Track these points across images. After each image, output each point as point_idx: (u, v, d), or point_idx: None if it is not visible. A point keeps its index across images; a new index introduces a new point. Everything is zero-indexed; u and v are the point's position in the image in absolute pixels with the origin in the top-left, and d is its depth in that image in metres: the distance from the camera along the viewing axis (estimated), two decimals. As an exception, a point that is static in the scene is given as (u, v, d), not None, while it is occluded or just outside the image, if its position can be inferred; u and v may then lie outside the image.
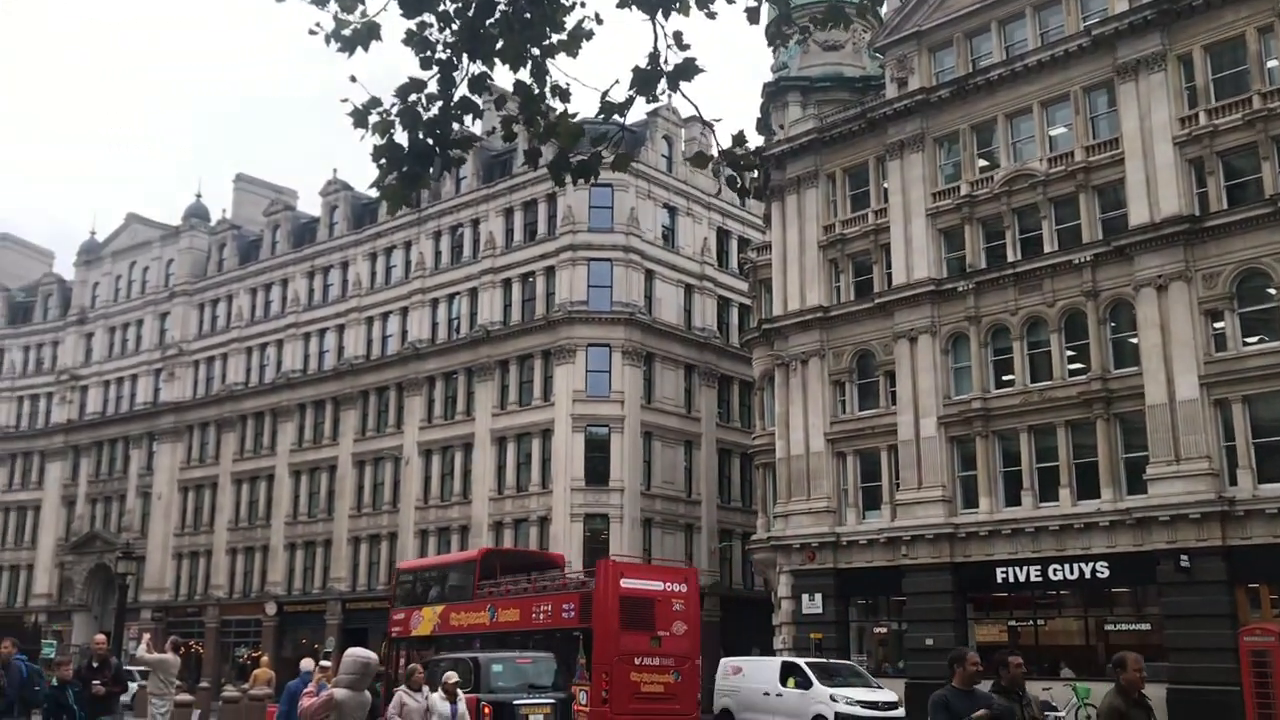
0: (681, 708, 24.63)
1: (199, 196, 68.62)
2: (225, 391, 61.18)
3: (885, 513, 35.66)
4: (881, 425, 36.17)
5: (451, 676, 14.54)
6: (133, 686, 23.86)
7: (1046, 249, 33.16)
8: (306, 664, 17.98)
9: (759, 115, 43.64)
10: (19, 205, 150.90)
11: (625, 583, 25.86)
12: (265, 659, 32.93)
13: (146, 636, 19.13)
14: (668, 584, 26.89)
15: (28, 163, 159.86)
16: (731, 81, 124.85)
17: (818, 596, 36.27)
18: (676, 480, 48.98)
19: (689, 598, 26.85)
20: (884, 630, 36.36)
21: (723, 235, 54.14)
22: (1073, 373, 32.33)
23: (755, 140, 42.05)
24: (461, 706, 14.24)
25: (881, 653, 35.90)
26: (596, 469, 46.35)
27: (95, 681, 15.13)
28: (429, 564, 39.27)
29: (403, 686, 13.38)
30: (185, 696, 18.22)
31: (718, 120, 6.35)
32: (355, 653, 8.36)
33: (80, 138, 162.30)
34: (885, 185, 37.69)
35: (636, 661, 24.76)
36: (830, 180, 39.39)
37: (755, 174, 37.91)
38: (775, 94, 42.53)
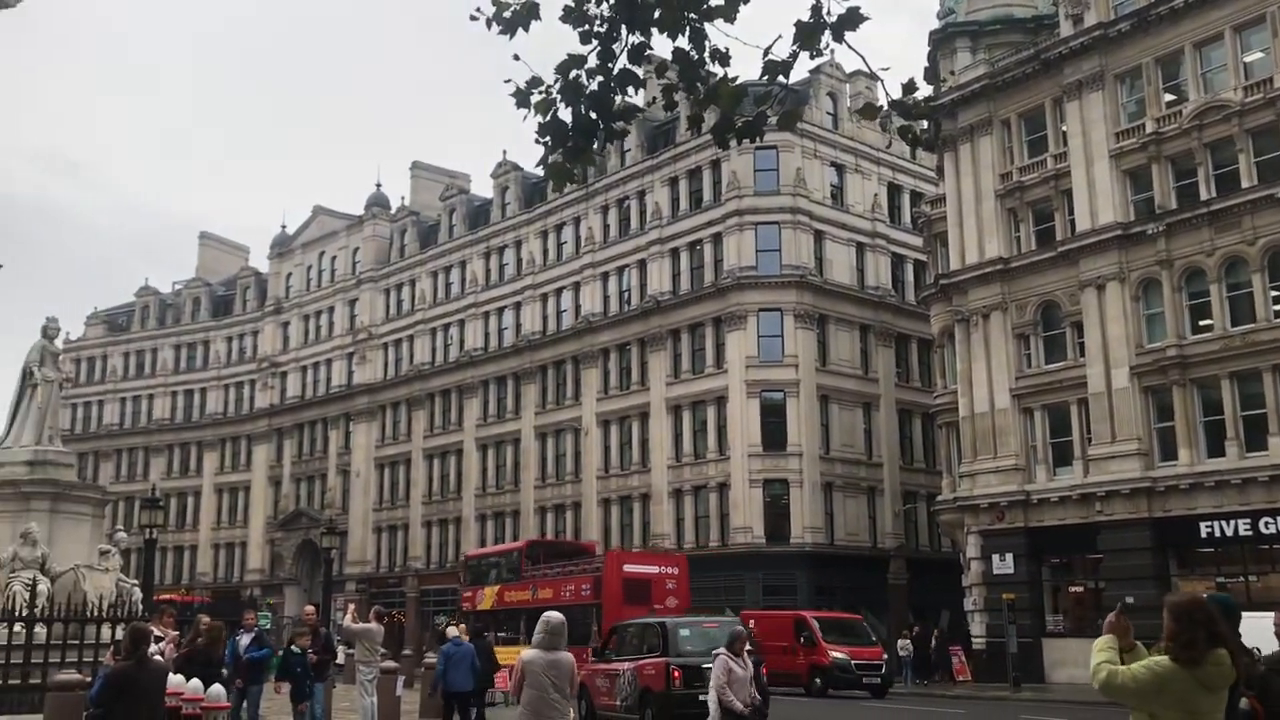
0: None
1: (379, 186, 71.39)
2: (413, 371, 63.66)
3: (1077, 469, 34.34)
4: (1070, 378, 34.80)
5: (741, 632, 13.38)
6: (341, 654, 25.32)
7: (1244, 184, 31.12)
8: (452, 631, 19.36)
9: (926, 65, 42.36)
10: (215, 205, 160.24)
11: (627, 568, 33.49)
12: (462, 626, 34.14)
13: (351, 608, 20.17)
14: (662, 568, 34.37)
15: (219, 162, 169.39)
16: (896, 32, 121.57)
17: (1008, 556, 35.30)
18: (856, 443, 48.36)
19: (679, 578, 33.88)
20: (1080, 589, 35.12)
21: (894, 190, 52.90)
22: (1278, 314, 30.33)
23: (924, 90, 40.87)
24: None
25: (1078, 612, 34.71)
26: (773, 434, 46.20)
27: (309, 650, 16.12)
28: (489, 552, 46.05)
29: (724, 651, 12.56)
30: (390, 664, 19.13)
31: (885, 69, 6.17)
32: (546, 615, 8.73)
33: (263, 136, 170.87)
34: (1064, 128, 36.04)
35: None
36: (1005, 127, 37.94)
37: (926, 124, 36.93)
38: (943, 41, 41.18)
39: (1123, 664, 4.94)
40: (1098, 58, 34.86)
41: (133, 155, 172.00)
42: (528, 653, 8.55)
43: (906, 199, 52.92)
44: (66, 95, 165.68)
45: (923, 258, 47.87)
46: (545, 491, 54.79)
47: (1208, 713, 4.75)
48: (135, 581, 20.19)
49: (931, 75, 41.47)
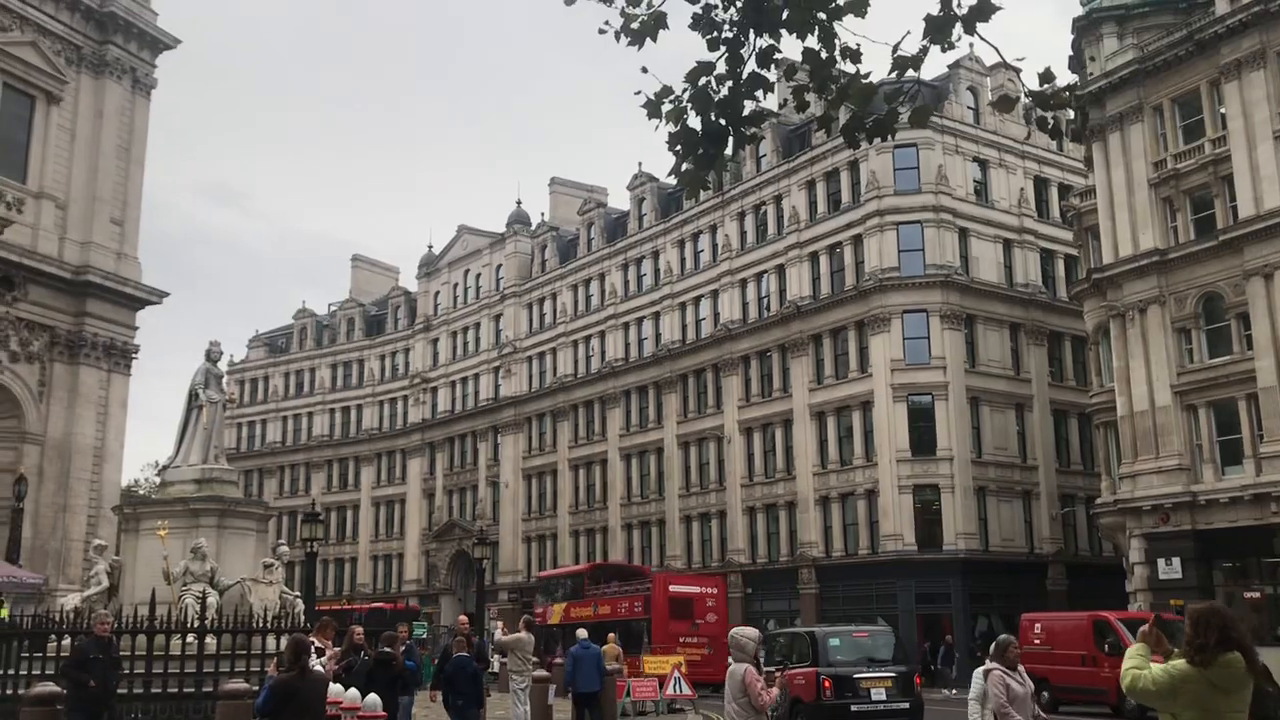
0: (713, 670, 31.42)
1: (519, 203, 72.84)
2: (557, 383, 64.62)
3: (1248, 467, 32.55)
4: (1237, 373, 33.04)
5: (1010, 640, 10.61)
6: (494, 663, 25.84)
7: None
8: (582, 633, 20.12)
9: (1070, 53, 40.89)
10: (365, 227, 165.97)
11: (672, 588, 38.70)
12: (612, 636, 34.45)
13: (500, 624, 20.62)
14: (703, 588, 39.86)
15: (368, 186, 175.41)
16: (1038, 19, 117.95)
17: (1175, 561, 33.68)
18: (1009, 446, 46.92)
19: (718, 598, 39.71)
20: (1257, 595, 33.23)
21: (1040, 184, 51.22)
22: None
23: (1068, 79, 39.45)
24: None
25: (1256, 619, 32.84)
26: (922, 439, 45.20)
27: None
28: (558, 574, 49.97)
29: (995, 665, 10.16)
30: (541, 672, 19.40)
31: (1021, 60, 5.96)
32: (735, 630, 9.35)
33: (408, 159, 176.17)
34: (1222, 111, 34.30)
35: (681, 640, 35.94)
36: (1157, 113, 36.33)
37: (1071, 115, 35.63)
38: (1087, 27, 39.68)
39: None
40: (1258, 35, 33.07)
41: (288, 183, 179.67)
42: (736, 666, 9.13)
43: (1054, 192, 51.19)
44: (226, 127, 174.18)
45: (1073, 252, 46.17)
46: (690, 500, 54.82)
47: (1224, 713, 5.03)
48: (298, 594, 20.95)
49: (1076, 63, 40.05)
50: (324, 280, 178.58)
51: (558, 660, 27.90)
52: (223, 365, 22.77)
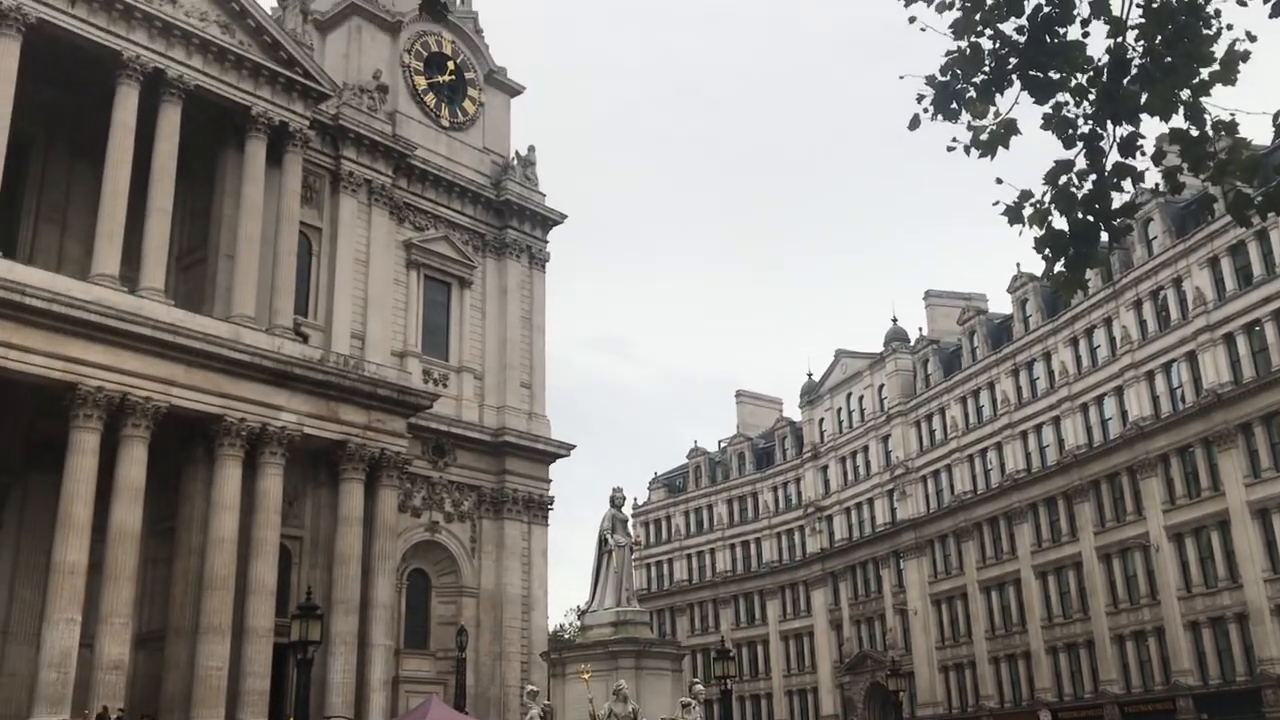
0: None
1: (895, 321, 72.13)
2: (956, 502, 62.26)
3: None
4: None
5: None
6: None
7: None
8: None
9: None
10: (743, 361, 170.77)
11: None
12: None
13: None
14: None
15: (741, 322, 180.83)
16: None
17: None
18: None
19: None
20: None
21: None
22: None
23: None
24: None
25: None
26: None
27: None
28: None
29: None
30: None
31: None
32: None
33: (777, 291, 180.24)
34: None
35: None
36: None
37: None
38: None
39: None
40: None
41: (667, 327, 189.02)
42: None
43: None
44: (604, 281, 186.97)
45: None
46: (1119, 618, 50.31)
47: None
48: (715, 732, 21.19)
49: None
50: (710, 417, 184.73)
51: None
52: (626, 509, 23.99)
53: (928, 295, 71.81)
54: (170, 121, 31.91)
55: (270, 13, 35.85)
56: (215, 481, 30.54)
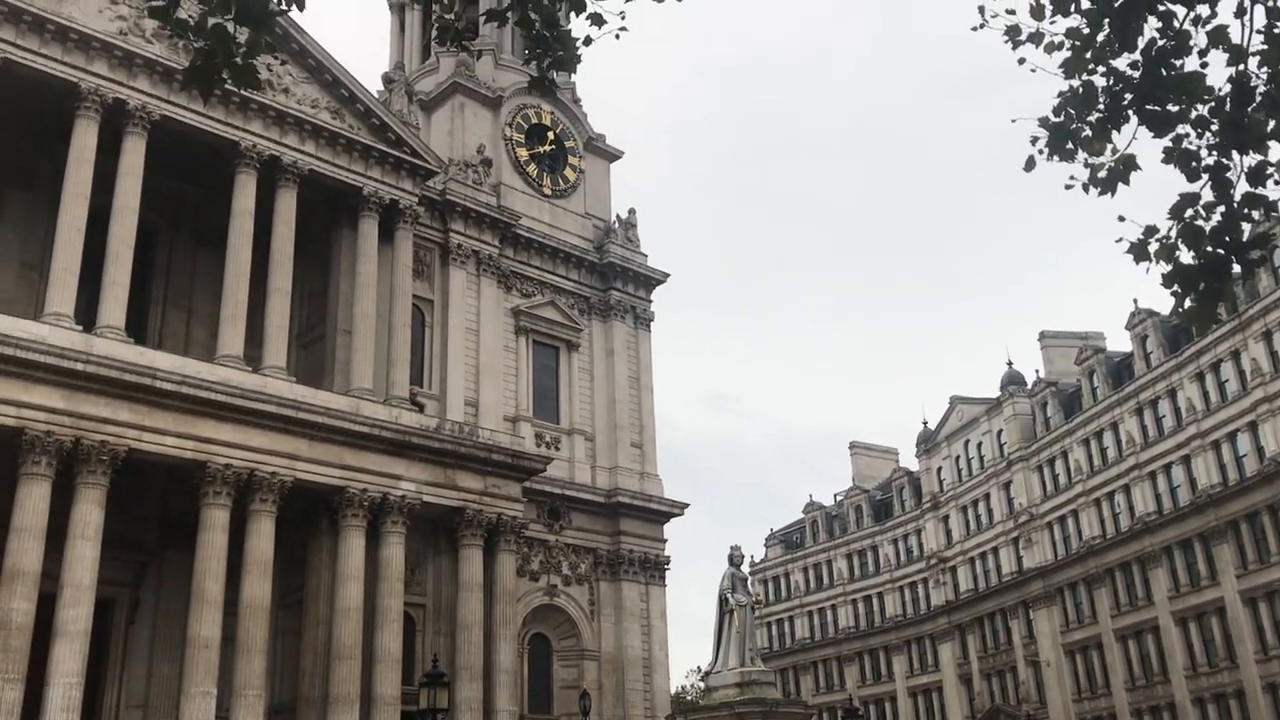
0: None
1: (1010, 364, 70.60)
2: (1084, 548, 60.16)
3: None
4: None
5: None
6: None
7: None
8: None
9: None
10: (853, 411, 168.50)
11: None
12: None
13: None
14: None
15: (849, 372, 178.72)
16: None
17: None
18: None
19: None
20: None
21: None
22: None
23: None
24: None
25: None
26: None
27: None
28: None
29: None
30: None
31: None
32: None
33: (885, 338, 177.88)
34: None
35: None
36: None
37: None
38: None
39: None
40: None
41: (775, 381, 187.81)
42: None
43: None
44: (705, 336, 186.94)
45: None
46: (1269, 665, 47.77)
47: None
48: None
49: None
50: (824, 469, 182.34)
51: None
52: (745, 567, 23.75)
53: (1043, 336, 70.17)
54: (287, 205, 33.10)
55: (377, 95, 37.13)
56: (340, 552, 31.12)
